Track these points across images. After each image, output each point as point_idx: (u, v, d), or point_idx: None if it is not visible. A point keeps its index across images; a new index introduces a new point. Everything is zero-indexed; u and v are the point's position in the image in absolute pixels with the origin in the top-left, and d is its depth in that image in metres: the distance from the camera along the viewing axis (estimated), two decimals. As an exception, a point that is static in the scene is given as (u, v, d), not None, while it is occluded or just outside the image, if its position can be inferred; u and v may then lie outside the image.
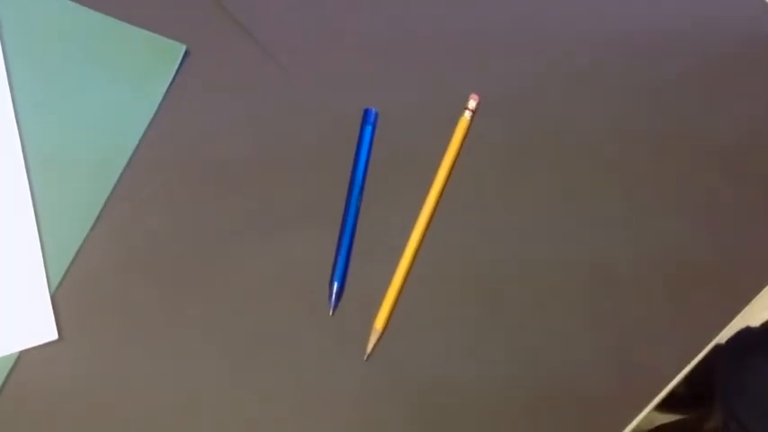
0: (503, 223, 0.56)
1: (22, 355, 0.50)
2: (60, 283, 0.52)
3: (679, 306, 0.55)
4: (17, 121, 0.56)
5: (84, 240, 0.53)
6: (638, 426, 0.53)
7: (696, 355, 0.54)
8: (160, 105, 0.57)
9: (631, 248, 0.56)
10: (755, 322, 0.88)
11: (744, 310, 0.56)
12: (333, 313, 0.53)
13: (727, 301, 0.56)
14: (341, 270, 0.53)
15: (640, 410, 0.53)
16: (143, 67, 0.58)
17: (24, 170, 0.54)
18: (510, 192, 0.57)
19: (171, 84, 0.58)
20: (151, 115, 0.57)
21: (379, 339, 0.52)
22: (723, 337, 0.57)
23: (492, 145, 0.58)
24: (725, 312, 0.56)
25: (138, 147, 0.56)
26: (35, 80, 0.57)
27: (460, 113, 0.58)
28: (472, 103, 0.58)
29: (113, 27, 0.59)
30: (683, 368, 0.54)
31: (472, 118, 0.58)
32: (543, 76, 0.60)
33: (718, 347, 0.82)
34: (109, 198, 0.55)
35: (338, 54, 0.60)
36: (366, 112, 0.58)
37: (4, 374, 0.49)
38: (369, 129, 0.57)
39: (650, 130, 0.60)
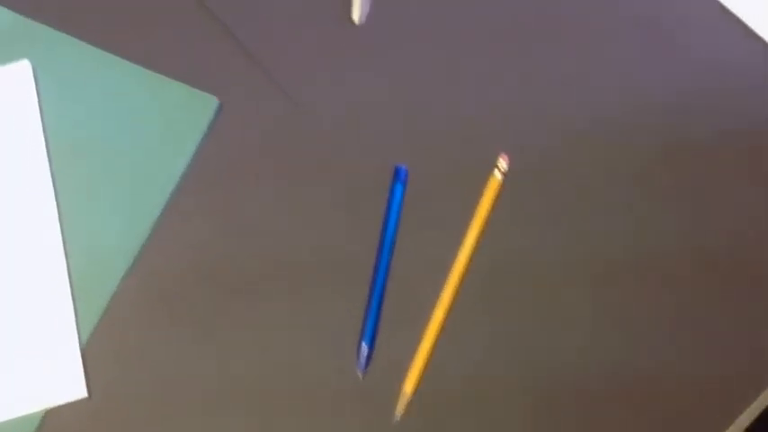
0: (534, 285, 0.56)
1: (50, 412, 0.50)
2: (90, 337, 0.52)
3: None
4: (51, 171, 0.56)
5: (116, 292, 0.53)
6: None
7: None
8: (193, 157, 0.58)
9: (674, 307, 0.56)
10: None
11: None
12: (363, 376, 0.53)
13: None
14: (370, 331, 0.53)
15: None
16: (177, 119, 0.58)
17: (57, 220, 0.55)
18: (541, 254, 0.57)
19: (204, 136, 0.58)
20: (184, 167, 0.57)
21: (409, 402, 0.52)
22: None
23: (521, 204, 0.58)
24: None
25: (170, 198, 0.56)
26: (69, 129, 0.57)
27: (490, 172, 0.58)
28: (502, 163, 0.58)
29: (148, 78, 0.59)
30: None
31: (502, 178, 0.58)
32: (573, 137, 0.60)
33: None
34: (141, 250, 0.55)
35: (369, 110, 0.60)
36: (397, 169, 0.58)
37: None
38: (399, 187, 0.57)
39: (681, 188, 0.59)
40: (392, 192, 0.57)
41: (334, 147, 0.59)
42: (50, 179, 0.56)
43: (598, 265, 0.57)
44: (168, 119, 0.58)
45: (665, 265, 0.57)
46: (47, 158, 0.56)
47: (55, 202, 0.55)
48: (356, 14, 0.62)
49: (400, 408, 0.52)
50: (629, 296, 0.56)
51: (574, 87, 0.61)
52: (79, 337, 0.52)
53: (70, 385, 0.50)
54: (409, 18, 0.63)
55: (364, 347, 0.53)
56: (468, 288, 0.56)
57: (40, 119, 0.57)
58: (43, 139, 0.57)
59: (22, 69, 0.58)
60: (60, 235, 0.54)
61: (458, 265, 0.56)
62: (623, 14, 0.63)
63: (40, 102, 0.58)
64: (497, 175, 0.58)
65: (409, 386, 0.52)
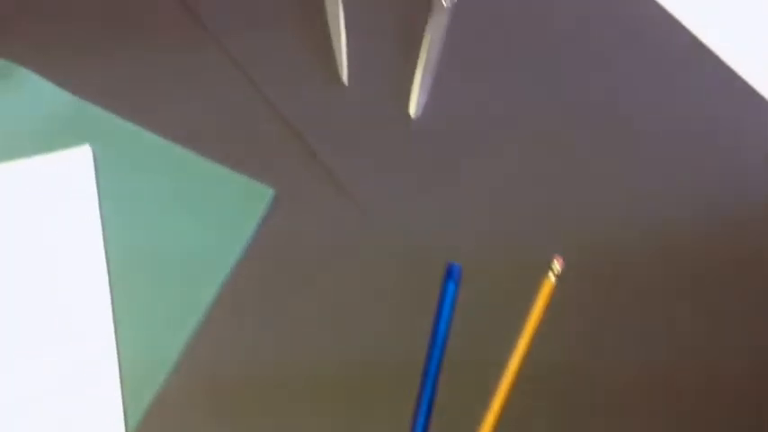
0: (589, 392, 0.55)
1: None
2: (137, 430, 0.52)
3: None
4: (105, 256, 0.56)
5: (164, 384, 0.53)
6: None
7: None
8: (245, 249, 0.58)
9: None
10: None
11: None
12: (412, 484, 0.52)
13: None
14: (421, 437, 0.52)
15: None
16: (231, 209, 0.58)
17: (110, 308, 0.55)
18: (595, 359, 0.56)
19: (257, 227, 0.58)
20: (237, 257, 0.57)
21: None
22: None
23: (575, 308, 0.57)
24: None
25: (222, 288, 0.56)
26: (124, 215, 0.58)
27: (544, 273, 0.58)
28: (556, 266, 0.58)
29: (203, 167, 0.59)
30: None
31: (556, 281, 0.58)
32: (630, 240, 0.60)
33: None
34: (188, 344, 0.54)
35: (424, 207, 0.60)
36: (450, 267, 0.58)
37: None
38: (452, 285, 0.57)
39: (743, 301, 0.59)
40: (444, 290, 0.57)
41: (387, 243, 0.59)
42: (104, 265, 0.56)
43: (656, 369, 0.56)
44: (222, 209, 0.58)
45: (728, 372, 0.56)
46: (102, 244, 0.56)
47: (108, 287, 0.55)
48: (413, 108, 0.62)
49: None
50: (692, 401, 0.55)
51: (633, 189, 0.61)
52: (126, 430, 0.51)
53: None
54: (465, 112, 0.63)
55: (415, 454, 0.52)
56: (521, 394, 0.55)
57: (97, 204, 0.57)
58: (100, 224, 0.57)
59: (82, 154, 0.59)
60: (113, 322, 0.54)
61: (510, 369, 0.55)
62: (682, 115, 0.64)
63: (98, 186, 0.58)
64: (551, 278, 0.57)
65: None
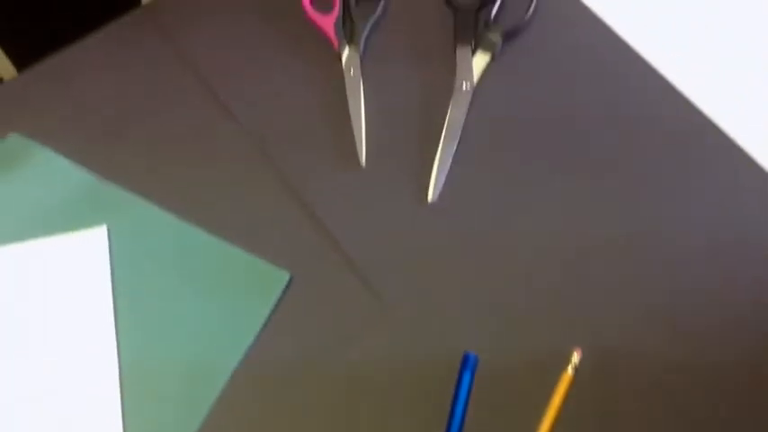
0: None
1: None
2: None
3: None
4: (117, 338, 0.56)
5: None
6: None
7: None
8: (259, 333, 0.57)
9: None
10: None
11: None
12: None
13: None
14: None
15: None
16: (246, 291, 0.58)
17: (118, 387, 0.54)
18: (612, 456, 0.54)
19: (272, 311, 0.58)
20: (251, 340, 0.56)
21: None
22: None
23: (592, 402, 0.56)
24: None
25: (236, 371, 0.55)
26: (138, 296, 0.57)
27: (562, 364, 0.57)
28: (576, 358, 0.57)
29: (220, 248, 0.59)
30: None
31: (574, 372, 0.56)
32: (646, 331, 0.59)
33: None
34: (203, 423, 0.53)
35: (440, 294, 0.59)
36: (466, 357, 0.57)
37: None
38: (468, 375, 0.56)
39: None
40: (460, 380, 0.56)
41: (402, 329, 0.58)
42: (116, 343, 0.55)
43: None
44: (237, 292, 0.58)
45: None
46: (113, 324, 0.56)
47: (118, 367, 0.55)
48: (431, 193, 0.62)
49: None
50: None
51: (651, 281, 0.60)
52: None
53: None
54: (482, 197, 0.63)
55: None
56: (538, 492, 0.53)
57: (110, 284, 0.57)
58: (111, 305, 0.57)
59: (98, 235, 0.58)
60: (120, 401, 0.53)
61: (527, 465, 0.53)
62: (703, 211, 0.63)
63: (112, 266, 0.58)
64: (569, 371, 0.56)
65: None
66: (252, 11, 0.71)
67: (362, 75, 0.67)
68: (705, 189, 0.64)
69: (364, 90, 0.66)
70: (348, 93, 0.66)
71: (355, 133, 0.64)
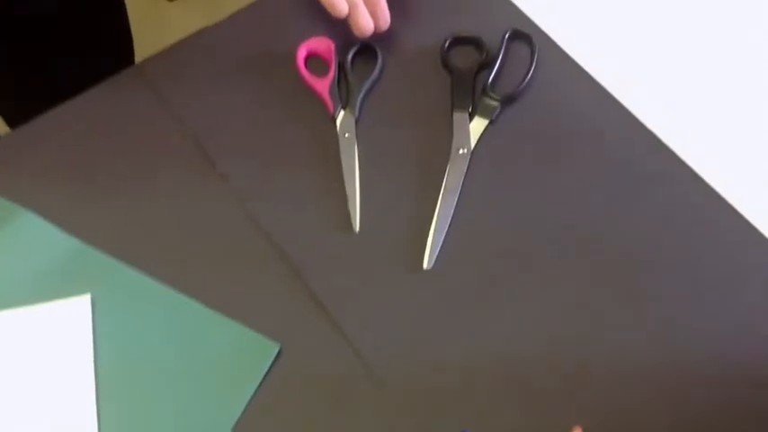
0: None
1: None
2: None
3: None
4: (98, 411, 0.53)
5: None
6: None
7: None
8: (248, 404, 0.54)
9: None
10: None
11: None
12: None
13: None
14: None
15: None
16: (233, 363, 0.56)
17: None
18: None
19: (261, 382, 0.55)
20: (238, 414, 0.54)
21: None
22: None
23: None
24: None
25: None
26: (121, 365, 0.55)
27: (561, 442, 0.54)
28: (577, 437, 0.54)
29: (207, 317, 0.57)
30: None
31: (576, 451, 0.54)
32: (647, 412, 0.56)
33: None
34: None
35: (436, 366, 0.57)
36: (462, 435, 0.54)
37: None
38: (465, 455, 0.54)
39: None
40: (456, 459, 0.53)
41: (395, 402, 0.55)
42: (96, 415, 0.53)
43: None
44: (226, 363, 0.56)
45: None
46: (93, 393, 0.54)
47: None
48: (426, 260, 0.60)
49: None
50: None
51: (654, 354, 0.58)
52: None
53: None
54: (478, 263, 0.61)
55: None
56: None
57: (92, 356, 0.55)
58: (93, 376, 0.54)
59: (82, 304, 0.56)
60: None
61: None
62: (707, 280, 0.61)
63: (95, 336, 0.56)
64: (570, 451, 0.54)
65: None
66: (246, 71, 0.70)
67: (357, 137, 0.66)
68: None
69: (359, 153, 0.65)
70: (342, 155, 0.65)
71: (349, 197, 0.63)
